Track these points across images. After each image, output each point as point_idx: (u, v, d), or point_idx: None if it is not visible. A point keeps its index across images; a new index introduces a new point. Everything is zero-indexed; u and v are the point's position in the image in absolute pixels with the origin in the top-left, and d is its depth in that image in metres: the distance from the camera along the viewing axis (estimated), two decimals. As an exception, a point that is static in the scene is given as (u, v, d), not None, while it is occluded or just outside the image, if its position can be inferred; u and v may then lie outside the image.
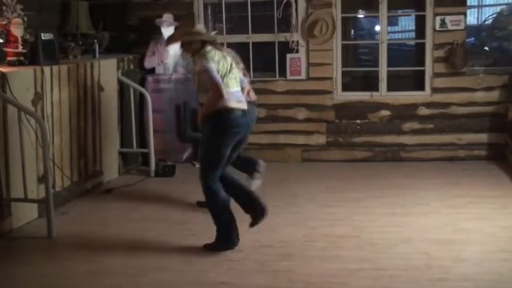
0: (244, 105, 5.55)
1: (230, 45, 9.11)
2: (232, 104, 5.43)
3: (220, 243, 5.53)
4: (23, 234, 6.07)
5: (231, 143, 5.53)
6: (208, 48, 5.49)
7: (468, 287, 4.68)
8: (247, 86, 6.32)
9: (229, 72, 5.52)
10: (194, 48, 5.55)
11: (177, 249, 5.61)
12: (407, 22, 14.67)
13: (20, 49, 6.55)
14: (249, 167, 6.96)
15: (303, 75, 8.77)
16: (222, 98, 5.35)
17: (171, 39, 5.92)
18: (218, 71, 5.40)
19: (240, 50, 9.32)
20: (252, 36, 8.97)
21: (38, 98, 6.42)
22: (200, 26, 5.75)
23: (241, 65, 6.54)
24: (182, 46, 5.74)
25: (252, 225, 5.63)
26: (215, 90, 5.36)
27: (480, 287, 4.68)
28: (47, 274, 5.15)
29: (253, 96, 6.57)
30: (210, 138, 5.49)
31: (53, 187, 6.31)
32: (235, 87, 5.55)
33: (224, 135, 5.44)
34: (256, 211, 5.60)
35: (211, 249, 5.52)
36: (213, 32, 6.50)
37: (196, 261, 5.32)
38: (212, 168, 5.49)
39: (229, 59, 5.59)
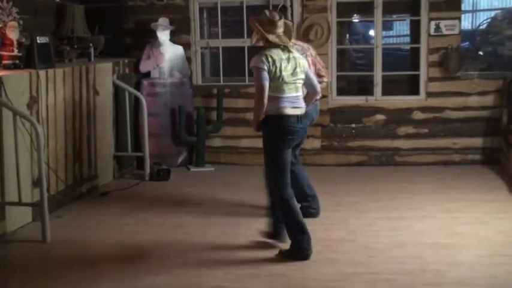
0: (299, 111, 5.39)
1: (226, 49, 9.18)
2: (287, 110, 5.32)
3: (291, 252, 5.39)
4: (17, 238, 6.05)
5: (287, 149, 5.42)
6: (271, 47, 5.36)
7: (463, 291, 4.70)
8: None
9: (289, 76, 5.31)
10: (260, 39, 5.45)
11: (173, 253, 5.59)
12: (402, 27, 14.70)
13: (16, 52, 6.55)
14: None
15: (298, 79, 8.76)
16: (262, 102, 5.28)
17: (253, 20, 5.60)
18: (271, 73, 5.26)
19: (235, 54, 9.37)
20: (247, 40, 8.97)
21: (33, 101, 6.41)
22: (277, 24, 5.40)
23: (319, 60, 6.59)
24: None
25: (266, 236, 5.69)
26: (257, 92, 5.30)
27: (475, 291, 4.70)
28: (41, 278, 5.13)
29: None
30: (267, 145, 5.43)
31: (48, 191, 6.30)
32: (293, 93, 5.35)
33: (278, 141, 5.36)
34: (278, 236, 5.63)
35: (285, 256, 5.39)
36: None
37: (193, 266, 5.31)
38: (279, 176, 5.41)
39: (291, 64, 5.33)
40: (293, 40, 6.17)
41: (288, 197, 5.41)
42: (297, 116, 5.38)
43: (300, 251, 5.35)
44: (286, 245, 5.48)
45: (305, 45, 6.61)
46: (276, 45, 5.36)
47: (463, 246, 5.61)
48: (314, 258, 5.34)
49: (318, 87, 5.68)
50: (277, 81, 5.29)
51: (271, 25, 5.38)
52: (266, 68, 5.26)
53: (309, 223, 6.13)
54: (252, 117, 5.61)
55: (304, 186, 6.41)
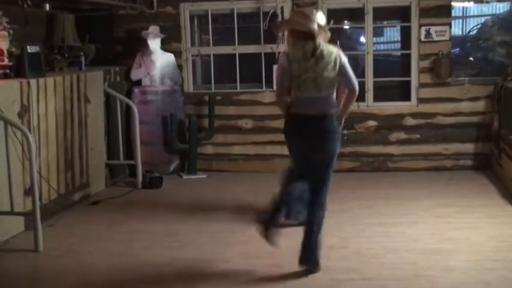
0: (315, 112, 5.13)
1: (217, 57, 9.19)
2: (296, 109, 5.20)
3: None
4: (9, 247, 6.03)
5: (295, 148, 5.35)
6: (297, 46, 5.20)
7: (456, 296, 4.71)
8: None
9: (307, 75, 5.11)
10: (293, 41, 5.30)
11: (165, 261, 5.58)
12: (392, 33, 14.72)
13: (6, 62, 6.52)
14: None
15: (290, 86, 8.75)
16: (275, 100, 5.50)
17: (279, 25, 5.54)
18: (288, 72, 5.17)
19: (226, 61, 9.38)
20: (238, 47, 8.99)
21: (25, 110, 6.40)
22: (306, 22, 5.16)
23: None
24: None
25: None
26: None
27: (468, 296, 4.71)
28: (34, 287, 5.12)
29: None
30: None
31: (40, 200, 6.26)
32: (312, 93, 5.14)
33: (287, 140, 5.38)
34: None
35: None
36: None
37: (186, 274, 5.30)
38: (292, 164, 5.51)
39: (312, 62, 5.09)
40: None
41: (289, 181, 5.40)
42: (305, 115, 5.16)
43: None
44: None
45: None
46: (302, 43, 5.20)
47: (456, 251, 5.62)
48: (307, 265, 5.34)
49: (356, 86, 5.23)
50: (295, 80, 5.17)
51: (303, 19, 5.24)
52: (285, 66, 5.21)
53: (300, 230, 6.12)
54: None
55: None
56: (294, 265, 5.31)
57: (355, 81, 5.24)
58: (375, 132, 8.83)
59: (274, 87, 5.46)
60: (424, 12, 8.55)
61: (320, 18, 5.28)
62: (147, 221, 6.82)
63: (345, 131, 8.68)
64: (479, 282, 4.95)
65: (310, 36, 5.15)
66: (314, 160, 5.28)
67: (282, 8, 8.69)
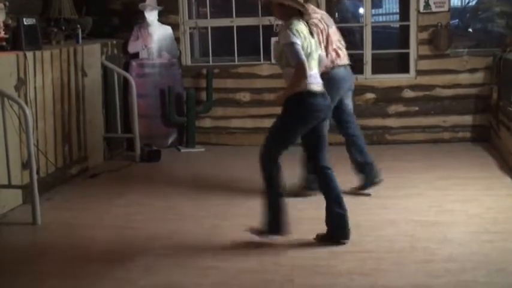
0: (322, 87, 5.19)
1: (214, 29, 9.13)
2: (314, 87, 5.10)
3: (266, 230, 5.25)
4: (7, 220, 6.03)
5: (306, 129, 5.19)
6: (296, 21, 5.06)
7: (454, 267, 4.71)
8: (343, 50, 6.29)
9: (313, 52, 5.13)
10: (287, 14, 5.10)
11: (165, 234, 5.59)
12: (391, 4, 14.64)
13: (2, 34, 6.48)
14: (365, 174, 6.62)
15: (288, 59, 8.71)
16: (305, 78, 4.98)
17: None
18: (303, 49, 5.01)
19: (224, 34, 9.33)
20: (236, 20, 8.94)
21: (21, 83, 6.36)
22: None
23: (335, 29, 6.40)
24: (273, 8, 5.23)
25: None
26: (298, 69, 4.96)
27: (466, 267, 4.71)
28: (32, 260, 5.13)
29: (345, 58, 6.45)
30: (286, 121, 5.17)
31: (38, 173, 6.27)
32: (317, 69, 5.20)
33: (302, 120, 5.13)
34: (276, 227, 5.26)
35: (256, 233, 5.26)
36: None
37: (184, 246, 5.31)
38: (276, 150, 5.23)
39: (314, 40, 5.16)
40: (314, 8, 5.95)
41: (273, 172, 5.28)
42: (323, 93, 5.18)
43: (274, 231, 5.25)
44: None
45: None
46: (298, 19, 5.11)
47: (453, 223, 5.63)
48: (305, 237, 5.34)
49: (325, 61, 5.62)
50: (307, 57, 5.07)
51: None
52: (300, 42, 5.01)
53: (299, 202, 6.14)
54: (285, 90, 5.17)
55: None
56: (291, 237, 5.32)
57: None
58: (373, 104, 8.80)
59: (301, 64, 4.98)
60: (423, -17, 8.50)
61: None
62: (145, 194, 6.82)
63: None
64: (477, 253, 4.95)
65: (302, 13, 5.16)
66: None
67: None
